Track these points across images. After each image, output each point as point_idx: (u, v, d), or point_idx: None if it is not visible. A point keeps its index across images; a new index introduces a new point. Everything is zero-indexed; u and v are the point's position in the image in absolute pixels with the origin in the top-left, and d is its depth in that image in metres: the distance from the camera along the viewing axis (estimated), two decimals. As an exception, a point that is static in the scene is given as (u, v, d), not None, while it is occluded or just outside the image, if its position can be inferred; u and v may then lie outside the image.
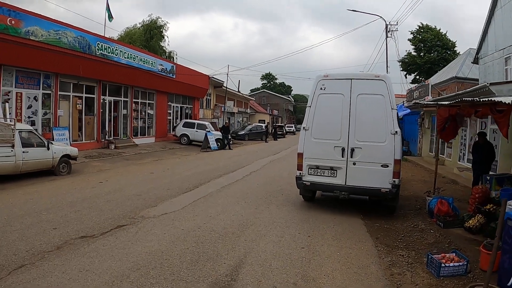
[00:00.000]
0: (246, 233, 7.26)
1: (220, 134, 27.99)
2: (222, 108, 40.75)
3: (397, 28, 29.52)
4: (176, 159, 20.04)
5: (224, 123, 32.00)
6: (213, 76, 37.91)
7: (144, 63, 24.52)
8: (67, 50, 18.08)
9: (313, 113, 8.89)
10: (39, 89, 17.81)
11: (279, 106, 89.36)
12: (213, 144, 26.23)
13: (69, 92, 19.64)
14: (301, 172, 9.02)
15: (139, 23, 43.18)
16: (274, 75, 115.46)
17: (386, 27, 29.22)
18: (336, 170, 8.71)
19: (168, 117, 31.08)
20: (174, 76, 28.92)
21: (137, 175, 13.91)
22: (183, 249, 6.25)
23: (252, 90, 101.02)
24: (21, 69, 16.65)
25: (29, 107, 17.37)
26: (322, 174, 8.87)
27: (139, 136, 26.15)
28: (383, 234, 7.52)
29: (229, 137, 28.54)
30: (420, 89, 22.53)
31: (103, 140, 21.96)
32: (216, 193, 10.88)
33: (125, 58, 22.42)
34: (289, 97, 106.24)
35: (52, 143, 13.29)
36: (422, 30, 44.17)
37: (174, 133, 29.60)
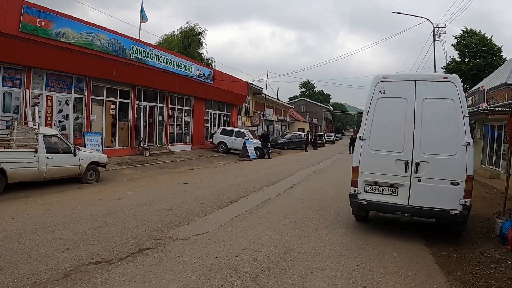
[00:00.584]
0: (293, 265, 5.79)
1: (259, 142, 26.59)
2: (261, 116, 39.46)
3: (445, 31, 27.24)
4: (212, 168, 18.76)
5: (263, 131, 30.59)
6: (252, 83, 36.71)
7: (181, 68, 23.53)
8: (100, 53, 17.26)
9: (371, 121, 7.55)
10: (71, 93, 17.04)
11: (318, 114, 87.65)
12: (251, 152, 24.87)
13: (102, 96, 18.81)
14: (356, 189, 7.64)
15: (177, 30, 42.89)
16: (313, 83, 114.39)
17: (434, 30, 26.98)
18: (397, 188, 7.34)
19: (206, 124, 30.02)
20: (212, 82, 27.84)
21: (170, 185, 12.66)
22: (217, 286, 4.83)
23: (290, 98, 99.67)
24: (52, 72, 15.91)
25: (60, 111, 16.60)
26: (381, 192, 7.47)
27: (175, 143, 25.15)
28: (455, 267, 6.15)
29: (269, 146, 27.11)
30: (473, 96, 20.33)
31: (137, 146, 21.03)
32: (256, 210, 9.42)
33: (161, 62, 21.48)
34: (328, 106, 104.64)
35: (79, 149, 12.34)
36: (466, 35, 41.57)
37: (211, 140, 28.52)
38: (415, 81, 7.36)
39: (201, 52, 42.50)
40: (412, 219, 7.23)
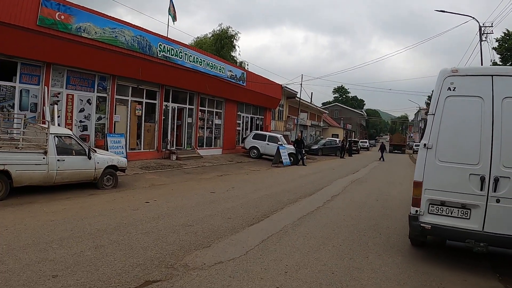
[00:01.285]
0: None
1: (293, 148, 24.91)
2: (295, 121, 37.80)
3: (492, 31, 24.78)
4: (243, 175, 17.28)
5: (296, 136, 28.82)
6: (286, 86, 35.08)
7: (211, 68, 22.22)
8: (125, 50, 16.13)
9: (438, 125, 6.06)
10: (93, 92, 15.96)
11: (351, 120, 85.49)
12: (285, 159, 23.23)
13: (128, 96, 17.70)
14: (418, 209, 6.11)
15: (210, 33, 42.15)
16: (347, 88, 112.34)
17: (480, 29, 24.65)
18: (469, 209, 5.84)
19: (237, 128, 28.60)
20: (244, 84, 26.43)
21: (194, 194, 11.22)
22: None
23: (324, 104, 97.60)
24: (73, 69, 14.87)
25: (81, 110, 15.54)
26: (449, 214, 5.98)
27: (204, 147, 23.84)
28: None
29: (303, 152, 25.40)
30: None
31: (164, 149, 19.79)
32: (292, 229, 7.79)
33: (190, 62, 20.21)
34: (361, 111, 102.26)
35: (95, 151, 11.15)
36: (508, 37, 38.66)
37: (243, 145, 27.07)
38: (492, 75, 5.87)
39: (234, 55, 42.00)
40: (488, 249, 5.62)
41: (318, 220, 8.73)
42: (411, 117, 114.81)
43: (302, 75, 47.10)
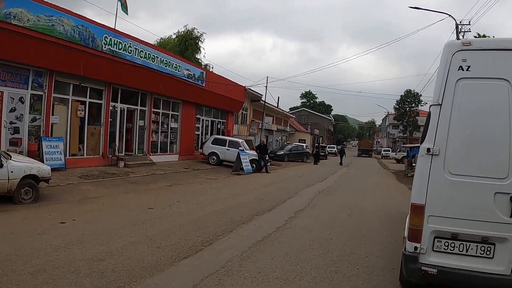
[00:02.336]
0: None
1: (256, 154, 23.32)
2: (260, 125, 36.22)
3: (470, 29, 23.83)
4: (197, 185, 15.50)
5: (260, 141, 27.15)
6: (250, 88, 33.46)
7: (166, 66, 20.31)
8: (64, 41, 14.07)
9: (447, 120, 4.26)
10: (27, 89, 13.82)
11: (319, 125, 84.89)
12: (246, 166, 21.54)
13: (68, 95, 15.60)
14: (417, 245, 4.34)
15: (174, 34, 40.41)
16: (314, 93, 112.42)
17: (457, 27, 23.75)
18: (493, 244, 4.13)
19: (196, 132, 26.69)
20: (203, 84, 24.57)
21: (127, 211, 9.37)
22: None
23: (291, 109, 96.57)
24: (1, 61, 12.76)
25: (12, 110, 13.38)
26: (464, 252, 4.23)
27: (158, 153, 21.84)
28: None
29: (267, 158, 23.83)
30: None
31: (110, 156, 17.73)
32: (239, 265, 5.87)
33: (141, 57, 18.28)
34: (329, 116, 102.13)
35: (9, 157, 9.22)
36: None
37: (201, 151, 25.12)
38: None
39: (198, 57, 40.45)
40: None
41: (275, 248, 6.92)
42: (378, 122, 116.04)
43: (267, 77, 43.88)
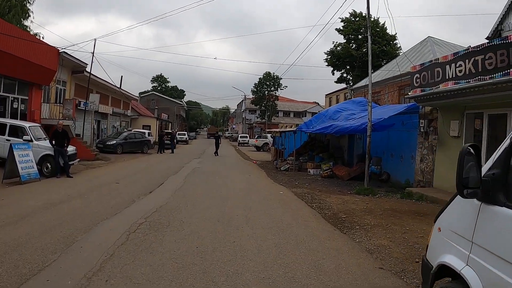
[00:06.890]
0: None
1: (50, 146, 14.53)
2: (82, 104, 26.61)
3: None
4: None
5: (57, 127, 17.49)
6: (66, 53, 23.54)
7: None
8: None
9: None
10: None
11: (170, 110, 76.71)
12: (27, 168, 12.75)
13: None
14: None
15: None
16: (166, 77, 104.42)
17: None
18: None
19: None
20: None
21: None
22: None
23: (141, 93, 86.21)
24: None
25: None
26: None
27: None
28: None
29: (70, 153, 15.20)
30: (429, 70, 11.88)
31: None
32: None
33: None
34: (181, 101, 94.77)
35: None
36: (354, 19, 35.53)
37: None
38: None
39: (26, 24, 30.55)
40: None
41: None
42: (233, 108, 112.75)
43: (95, 39, 30.67)
